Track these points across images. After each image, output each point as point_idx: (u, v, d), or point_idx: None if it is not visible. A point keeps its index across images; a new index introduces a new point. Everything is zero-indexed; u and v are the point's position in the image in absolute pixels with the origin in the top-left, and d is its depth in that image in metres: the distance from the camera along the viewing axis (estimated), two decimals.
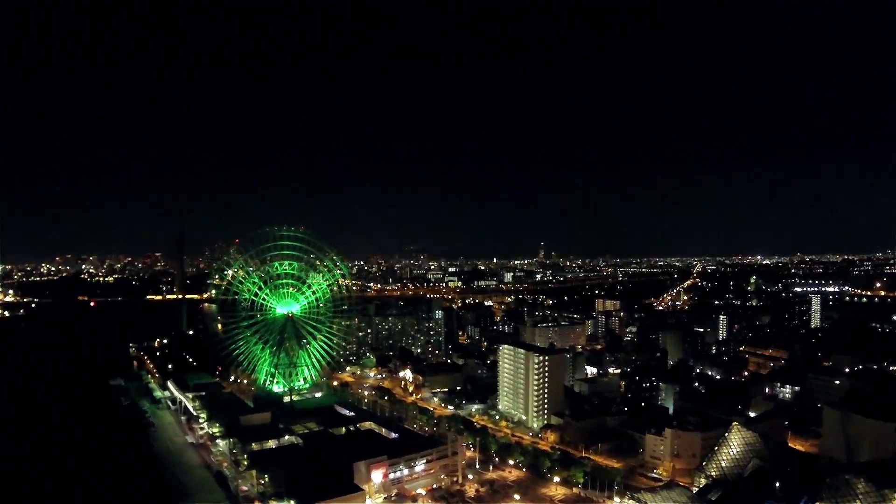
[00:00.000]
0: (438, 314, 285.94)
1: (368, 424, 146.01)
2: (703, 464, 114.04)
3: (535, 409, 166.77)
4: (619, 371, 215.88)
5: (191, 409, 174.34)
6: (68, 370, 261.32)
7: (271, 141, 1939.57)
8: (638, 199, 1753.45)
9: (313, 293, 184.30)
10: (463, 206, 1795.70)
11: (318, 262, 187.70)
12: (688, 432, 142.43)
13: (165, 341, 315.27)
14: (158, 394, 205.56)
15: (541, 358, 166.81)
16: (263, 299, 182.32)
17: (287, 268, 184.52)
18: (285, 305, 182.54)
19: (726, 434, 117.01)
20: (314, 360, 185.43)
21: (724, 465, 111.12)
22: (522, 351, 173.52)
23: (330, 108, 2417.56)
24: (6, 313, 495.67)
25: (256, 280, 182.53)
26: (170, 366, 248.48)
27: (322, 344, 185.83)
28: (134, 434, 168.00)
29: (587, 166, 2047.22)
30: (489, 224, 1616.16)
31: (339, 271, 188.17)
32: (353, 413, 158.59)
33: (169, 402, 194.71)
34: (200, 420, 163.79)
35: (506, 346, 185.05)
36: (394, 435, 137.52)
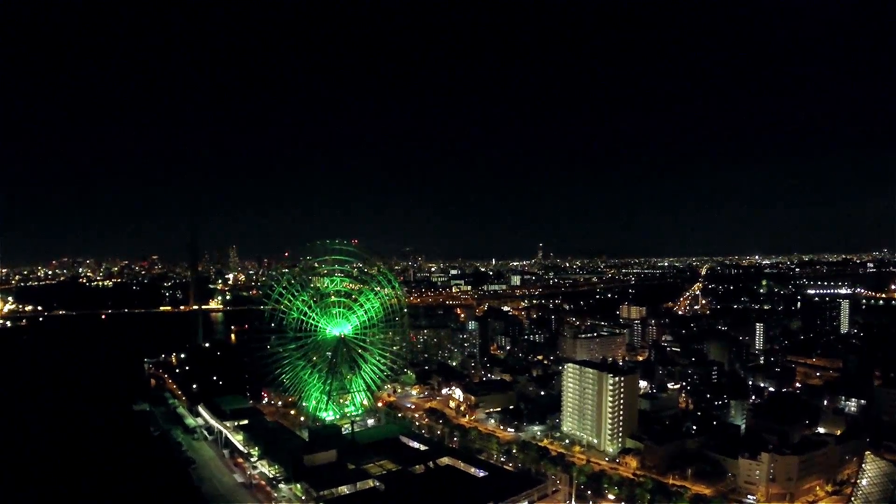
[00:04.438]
0: (472, 325, 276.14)
1: (447, 460, 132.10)
2: (851, 499, 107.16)
3: (610, 433, 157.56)
4: (677, 386, 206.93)
5: (235, 443, 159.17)
6: (84, 393, 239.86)
7: (264, 141, 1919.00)
8: (634, 200, 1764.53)
9: (365, 312, 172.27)
10: (456, 206, 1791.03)
11: (369, 278, 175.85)
12: (785, 456, 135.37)
13: (183, 356, 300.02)
14: (191, 422, 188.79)
15: (616, 379, 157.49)
16: (313, 319, 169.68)
17: (338, 285, 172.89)
18: (336, 326, 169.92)
19: (863, 465, 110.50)
20: (367, 383, 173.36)
21: (870, 499, 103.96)
22: (592, 371, 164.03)
23: (323, 107, 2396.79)
24: (8, 323, 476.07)
25: (306, 298, 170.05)
26: (194, 386, 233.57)
27: (374, 367, 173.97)
28: (174, 473, 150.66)
29: (581, 166, 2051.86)
30: (483, 224, 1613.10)
31: (389, 286, 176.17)
32: (423, 445, 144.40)
33: (205, 432, 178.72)
34: (252, 458, 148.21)
35: (570, 364, 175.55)
36: (480, 472, 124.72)
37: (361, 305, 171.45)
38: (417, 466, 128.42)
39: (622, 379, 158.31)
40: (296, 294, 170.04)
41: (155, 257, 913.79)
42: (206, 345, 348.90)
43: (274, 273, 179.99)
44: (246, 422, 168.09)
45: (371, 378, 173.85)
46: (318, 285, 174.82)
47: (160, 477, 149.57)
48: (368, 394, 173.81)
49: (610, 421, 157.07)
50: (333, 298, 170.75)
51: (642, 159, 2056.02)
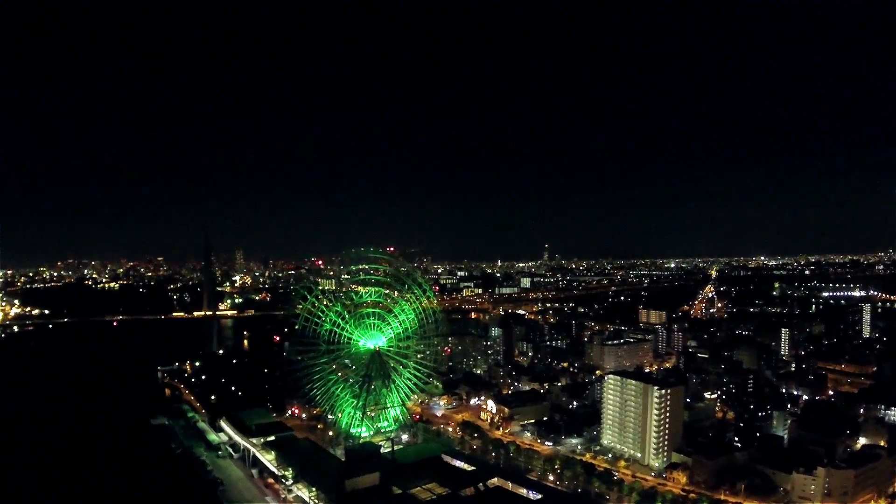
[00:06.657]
0: (495, 331, 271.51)
1: (496, 481, 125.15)
2: None
3: (655, 447, 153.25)
4: (713, 395, 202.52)
5: (265, 463, 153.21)
6: (97, 405, 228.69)
7: (268, 142, 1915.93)
8: (638, 201, 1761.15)
9: (400, 323, 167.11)
10: (459, 206, 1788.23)
11: (403, 288, 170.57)
12: (841, 470, 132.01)
13: (198, 364, 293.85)
14: (213, 437, 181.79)
15: (662, 392, 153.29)
16: (346, 331, 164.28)
17: (373, 295, 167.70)
18: (370, 338, 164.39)
19: None
20: (401, 397, 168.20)
21: None
22: (636, 382, 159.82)
23: (326, 108, 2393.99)
24: (15, 328, 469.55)
25: (339, 309, 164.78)
26: (213, 397, 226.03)
27: (407, 381, 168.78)
28: (201, 495, 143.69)
29: (585, 167, 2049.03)
30: (487, 224, 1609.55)
31: (424, 295, 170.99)
32: (467, 465, 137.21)
33: (229, 450, 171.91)
34: (286, 481, 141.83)
35: (612, 375, 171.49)
36: (532, 493, 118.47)
37: (396, 316, 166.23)
38: (467, 489, 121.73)
39: (668, 392, 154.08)
40: (329, 304, 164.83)
41: (160, 259, 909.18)
42: (221, 352, 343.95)
43: (307, 281, 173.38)
44: (273, 438, 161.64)
45: (404, 392, 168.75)
46: (353, 295, 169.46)
47: (186, 499, 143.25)
48: (403, 408, 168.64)
49: (655, 435, 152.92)
50: (368, 309, 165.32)
51: (645, 160, 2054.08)
